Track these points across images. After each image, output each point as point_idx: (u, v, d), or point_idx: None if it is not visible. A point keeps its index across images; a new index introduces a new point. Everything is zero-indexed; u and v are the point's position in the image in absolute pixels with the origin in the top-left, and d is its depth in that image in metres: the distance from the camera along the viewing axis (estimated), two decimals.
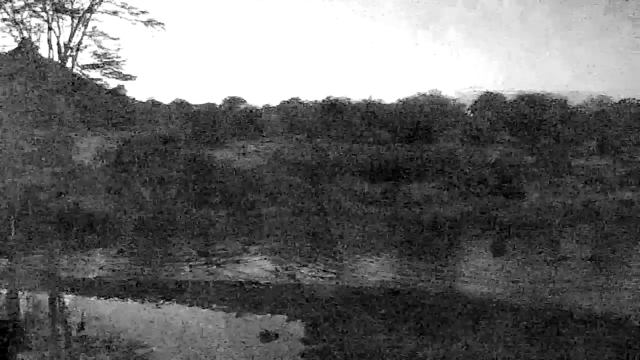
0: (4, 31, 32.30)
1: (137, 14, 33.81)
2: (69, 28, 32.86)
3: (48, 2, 32.01)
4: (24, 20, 32.43)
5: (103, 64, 34.19)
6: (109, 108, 46.65)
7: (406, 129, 50.58)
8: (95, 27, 33.37)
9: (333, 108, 48.92)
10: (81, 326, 13.32)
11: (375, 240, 24.69)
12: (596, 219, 29.95)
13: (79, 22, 32.71)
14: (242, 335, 13.09)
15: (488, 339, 12.56)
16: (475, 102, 62.53)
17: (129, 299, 16.17)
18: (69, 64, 33.45)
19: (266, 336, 12.84)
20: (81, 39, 33.06)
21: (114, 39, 34.39)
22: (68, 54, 33.05)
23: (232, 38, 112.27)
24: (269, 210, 29.61)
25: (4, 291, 17.31)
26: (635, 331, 13.25)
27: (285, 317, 14.45)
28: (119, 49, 36.60)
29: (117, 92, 45.13)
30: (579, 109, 54.21)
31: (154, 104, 61.54)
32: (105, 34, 33.60)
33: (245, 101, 63.84)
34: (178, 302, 15.83)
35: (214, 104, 67.14)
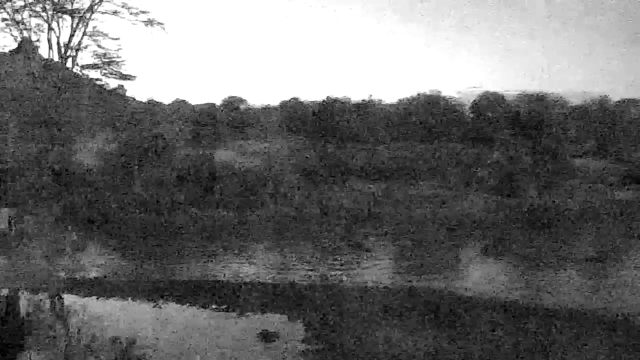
0: (4, 31, 32.26)
1: (137, 14, 33.83)
2: (69, 28, 32.84)
3: (48, 2, 32.00)
4: (24, 20, 32.42)
5: (103, 64, 34.11)
6: (109, 108, 46.68)
7: (406, 128, 50.52)
8: (95, 27, 33.37)
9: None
10: None
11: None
12: (596, 219, 29.93)
13: (79, 22, 32.74)
14: (242, 335, 13.09)
15: (487, 338, 12.56)
16: (475, 102, 62.48)
17: (129, 299, 16.17)
18: (69, 64, 33.39)
19: (266, 336, 12.84)
20: (81, 39, 33.07)
21: (114, 39, 34.39)
22: (68, 54, 33.03)
23: (232, 38, 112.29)
24: (268, 210, 29.59)
25: (4, 291, 17.32)
26: (635, 331, 13.25)
27: (286, 317, 14.45)
28: (119, 49, 36.67)
29: (117, 92, 45.13)
30: (579, 109, 54.18)
31: (154, 104, 61.53)
32: (105, 34, 33.57)
33: (245, 101, 63.77)
34: (178, 302, 15.83)
35: (214, 104, 67.03)
